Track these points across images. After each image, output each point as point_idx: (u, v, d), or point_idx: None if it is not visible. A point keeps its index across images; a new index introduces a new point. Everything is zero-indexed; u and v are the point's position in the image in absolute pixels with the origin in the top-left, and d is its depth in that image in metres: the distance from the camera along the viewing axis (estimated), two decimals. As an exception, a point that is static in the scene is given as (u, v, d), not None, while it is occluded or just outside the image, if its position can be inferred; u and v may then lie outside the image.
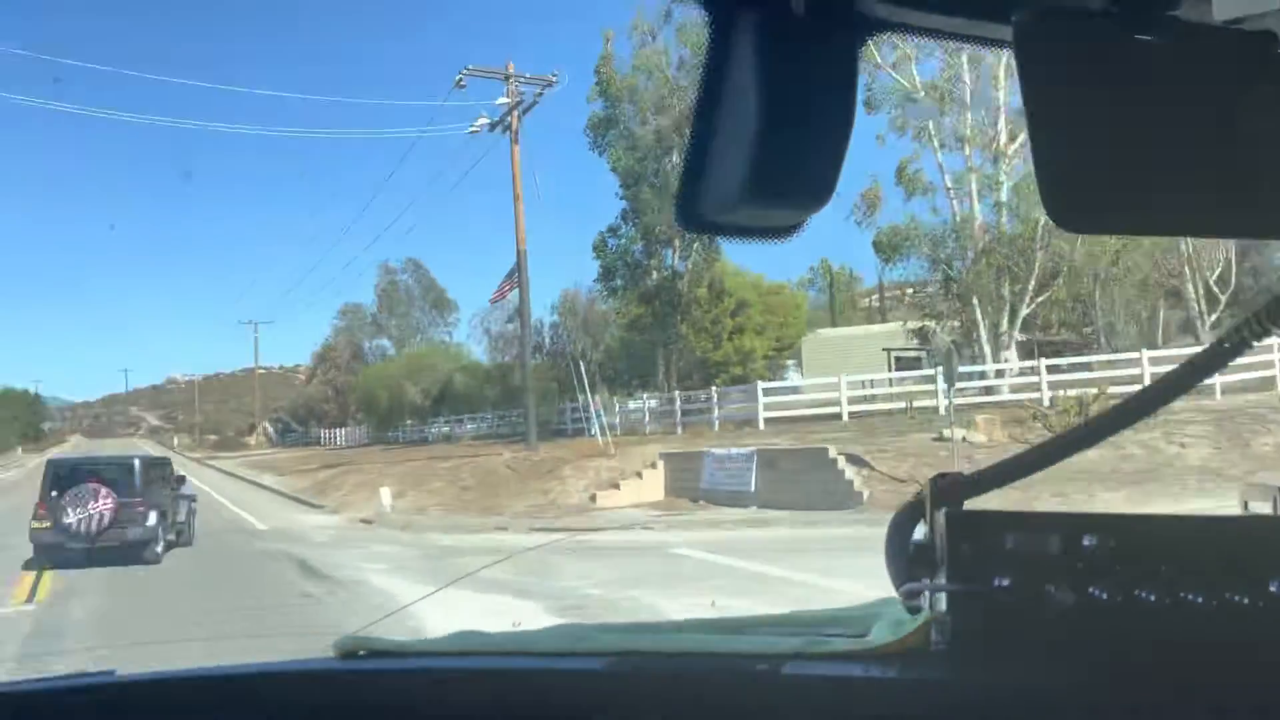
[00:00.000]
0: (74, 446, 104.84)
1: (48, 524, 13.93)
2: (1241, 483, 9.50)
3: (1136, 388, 0.97)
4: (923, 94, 26.32)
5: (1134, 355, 21.87)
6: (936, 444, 17.68)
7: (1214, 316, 27.34)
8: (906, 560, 0.94)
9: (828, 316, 48.40)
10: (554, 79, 28.04)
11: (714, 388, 28.26)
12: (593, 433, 34.18)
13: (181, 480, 16.95)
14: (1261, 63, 0.59)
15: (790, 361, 38.74)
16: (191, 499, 17.27)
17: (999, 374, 24.40)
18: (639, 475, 20.38)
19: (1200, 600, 0.80)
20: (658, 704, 0.98)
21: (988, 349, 25.97)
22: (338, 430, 72.12)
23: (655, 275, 35.04)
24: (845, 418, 22.70)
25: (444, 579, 10.10)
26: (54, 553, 13.96)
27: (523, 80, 28.06)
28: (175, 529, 15.82)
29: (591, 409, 25.82)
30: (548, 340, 45.11)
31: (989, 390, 23.35)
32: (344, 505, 23.92)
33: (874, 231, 29.32)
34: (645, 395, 32.26)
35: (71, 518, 13.73)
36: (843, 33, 0.66)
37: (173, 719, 1.09)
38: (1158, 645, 0.82)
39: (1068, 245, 23.98)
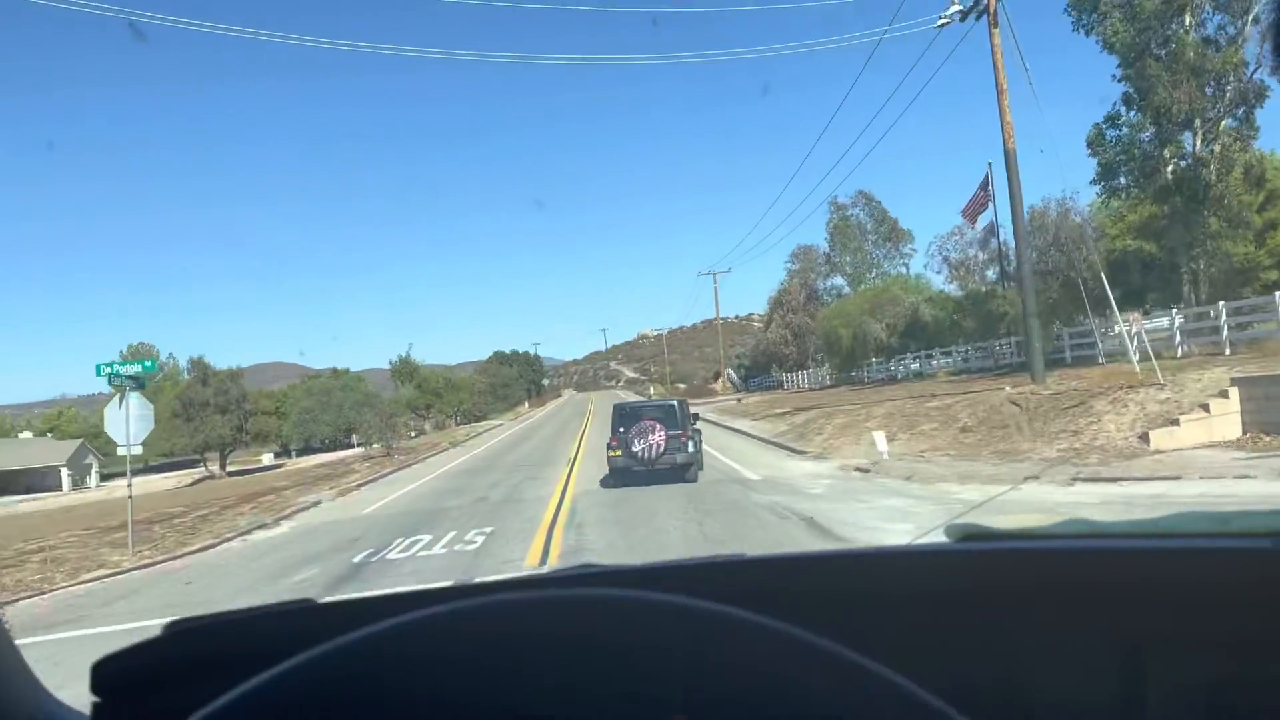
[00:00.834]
0: (566, 400, 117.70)
1: (619, 452, 18.22)
2: None
3: None
4: None
5: None
6: None
7: None
8: None
9: None
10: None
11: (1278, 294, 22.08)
12: (1100, 360, 29.27)
13: (696, 417, 20.17)
14: None
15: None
16: (699, 433, 19.98)
17: None
18: (1203, 408, 15.90)
19: None
20: None
21: None
22: (799, 373, 71.97)
23: (1171, 167, 28.74)
24: None
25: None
26: (624, 474, 18.20)
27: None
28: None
29: (1123, 328, 21.33)
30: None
31: None
32: (830, 451, 22.12)
33: None
34: (1176, 309, 26.50)
35: (637, 447, 17.91)
36: None
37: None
38: None
39: None
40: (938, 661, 0.96)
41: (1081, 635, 1.03)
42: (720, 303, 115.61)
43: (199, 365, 65.36)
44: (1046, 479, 14.26)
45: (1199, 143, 28.28)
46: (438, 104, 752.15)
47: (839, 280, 71.24)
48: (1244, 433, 15.57)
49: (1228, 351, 22.52)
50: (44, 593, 13.42)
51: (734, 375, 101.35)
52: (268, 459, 76.28)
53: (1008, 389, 23.13)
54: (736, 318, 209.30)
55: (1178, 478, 12.93)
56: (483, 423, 78.70)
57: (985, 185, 40.09)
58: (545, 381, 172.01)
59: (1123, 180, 30.23)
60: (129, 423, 15.64)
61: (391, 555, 13.07)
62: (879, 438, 18.72)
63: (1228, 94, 27.56)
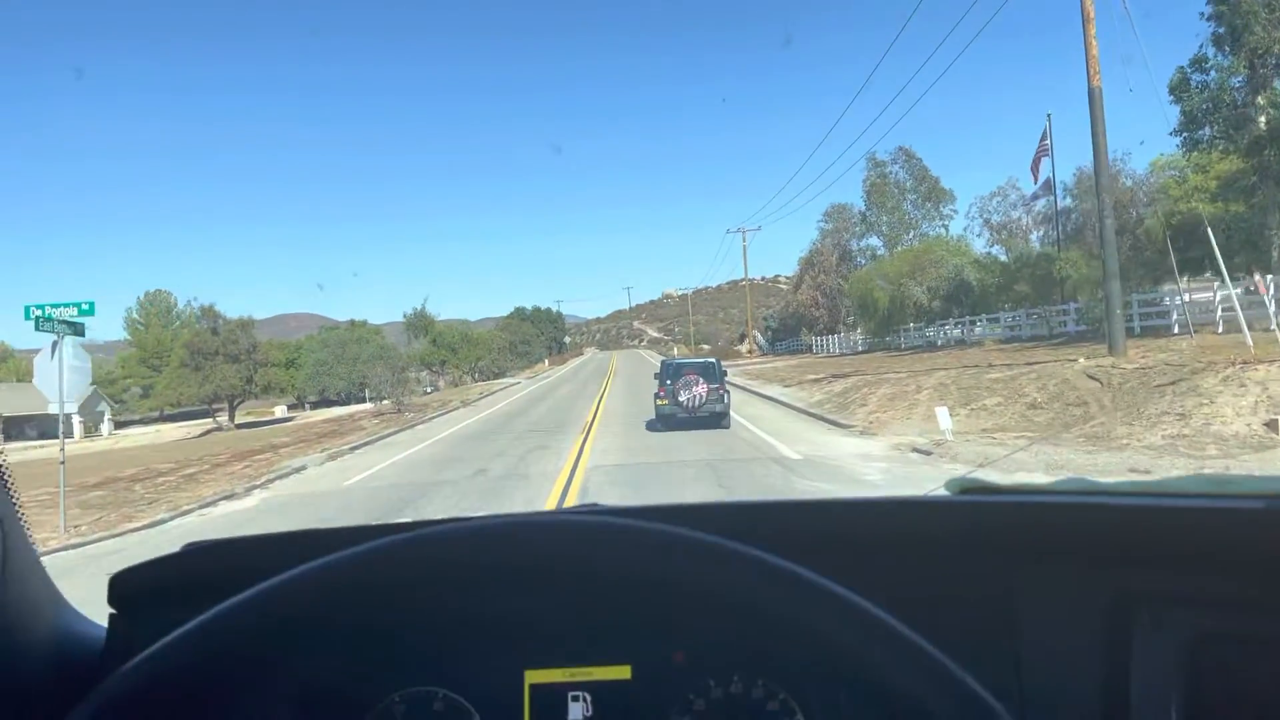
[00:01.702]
0: (588, 359, 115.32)
1: (666, 401, 21.00)
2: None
3: None
4: None
5: None
6: None
7: None
8: None
9: None
10: None
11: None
12: (1174, 329, 26.45)
13: (724, 374, 22.04)
14: None
15: None
16: (728, 391, 21.95)
17: None
18: (1343, 392, 13.20)
19: None
20: None
21: None
22: (830, 337, 69.07)
23: (1265, 117, 25.62)
24: None
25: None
26: (670, 420, 21.01)
27: None
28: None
29: (1233, 291, 18.49)
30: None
31: None
32: (877, 425, 19.52)
33: None
34: (1268, 276, 23.56)
35: (683, 397, 20.67)
36: None
37: None
38: None
39: None
40: (931, 605, 0.99)
41: (1073, 585, 1.05)
42: (748, 263, 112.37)
43: (209, 313, 63.35)
44: (1158, 472, 11.64)
45: (1299, 89, 25.14)
46: (465, 53, 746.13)
47: (874, 240, 68.09)
48: (1396, 422, 12.84)
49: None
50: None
51: (760, 338, 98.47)
52: (280, 411, 74.55)
53: (1081, 360, 20.39)
54: (763, 278, 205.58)
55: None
56: (499, 380, 76.50)
57: (1044, 138, 36.86)
58: (566, 339, 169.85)
59: (1208, 131, 27.10)
60: (62, 375, 13.24)
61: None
62: (942, 413, 16.08)
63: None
